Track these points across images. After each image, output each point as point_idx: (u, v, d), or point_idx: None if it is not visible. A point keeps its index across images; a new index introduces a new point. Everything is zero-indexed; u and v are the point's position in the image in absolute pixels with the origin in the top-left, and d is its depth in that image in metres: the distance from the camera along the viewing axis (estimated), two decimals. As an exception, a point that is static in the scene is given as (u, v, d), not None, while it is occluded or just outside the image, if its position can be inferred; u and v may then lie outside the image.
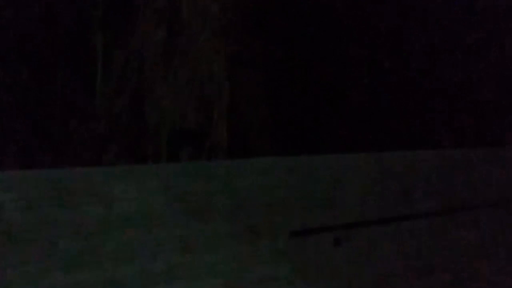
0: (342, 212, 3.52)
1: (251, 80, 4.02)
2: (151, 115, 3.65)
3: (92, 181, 2.62)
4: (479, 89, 5.01)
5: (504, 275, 4.12)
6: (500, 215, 4.52)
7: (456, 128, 4.92)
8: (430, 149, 4.34)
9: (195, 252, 2.87)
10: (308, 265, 3.33)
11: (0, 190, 2.35)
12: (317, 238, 3.40)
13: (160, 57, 3.71)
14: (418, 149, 4.24)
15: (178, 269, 2.81)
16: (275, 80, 4.10)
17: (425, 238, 3.99)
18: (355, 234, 3.57)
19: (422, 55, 4.78)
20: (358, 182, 3.63)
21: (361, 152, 3.80)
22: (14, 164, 3.25)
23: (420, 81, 4.73)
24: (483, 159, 4.46)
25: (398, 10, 4.71)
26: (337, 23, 4.46)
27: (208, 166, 3.27)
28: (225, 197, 3.06)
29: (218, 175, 3.05)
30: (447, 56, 4.88)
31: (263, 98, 4.03)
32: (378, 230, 3.69)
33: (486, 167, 4.47)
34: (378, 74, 4.59)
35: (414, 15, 4.80)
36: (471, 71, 4.97)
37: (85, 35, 3.58)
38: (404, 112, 4.62)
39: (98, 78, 3.60)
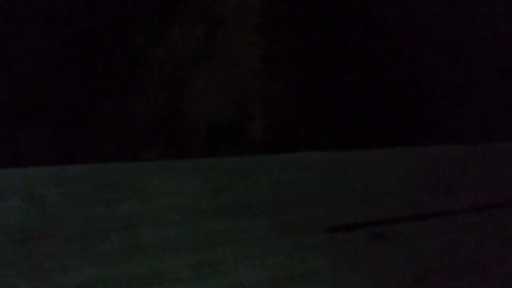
0: (381, 207, 3.50)
1: (289, 74, 4.02)
2: (189, 111, 3.68)
3: (133, 175, 2.66)
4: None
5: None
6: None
7: (496, 122, 4.86)
8: (472, 143, 4.29)
9: (234, 247, 2.89)
10: (345, 261, 3.32)
11: (43, 185, 2.39)
12: (355, 234, 3.39)
13: (198, 53, 3.74)
14: (460, 143, 4.20)
15: (218, 263, 2.83)
16: (314, 74, 4.10)
17: (465, 234, 3.95)
18: (394, 230, 3.55)
19: (457, 50, 4.74)
20: (398, 177, 3.61)
21: (400, 146, 3.78)
22: (56, 159, 3.30)
23: (460, 73, 4.68)
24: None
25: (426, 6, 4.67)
26: (374, 16, 4.43)
27: (246, 161, 3.28)
28: (263, 192, 3.07)
29: (257, 170, 3.07)
30: (483, 48, 4.82)
31: (302, 92, 4.03)
32: (418, 226, 3.67)
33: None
34: (418, 67, 4.55)
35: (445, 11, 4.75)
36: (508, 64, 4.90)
37: (124, 30, 3.62)
38: (446, 106, 4.58)
39: (138, 74, 3.63)
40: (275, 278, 3.05)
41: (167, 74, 3.68)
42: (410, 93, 4.55)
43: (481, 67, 4.68)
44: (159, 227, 2.66)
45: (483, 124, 4.62)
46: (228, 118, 3.82)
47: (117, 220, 2.56)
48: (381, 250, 3.49)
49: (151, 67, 3.65)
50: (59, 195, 2.50)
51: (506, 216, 4.19)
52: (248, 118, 3.87)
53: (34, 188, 2.41)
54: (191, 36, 3.73)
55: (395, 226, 3.56)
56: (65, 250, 2.46)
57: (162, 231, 2.66)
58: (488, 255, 4.01)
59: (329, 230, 3.28)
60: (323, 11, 4.17)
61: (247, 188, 3.07)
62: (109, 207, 2.58)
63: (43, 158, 3.26)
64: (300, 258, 3.16)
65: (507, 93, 4.81)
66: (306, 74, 4.06)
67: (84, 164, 2.69)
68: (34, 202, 2.40)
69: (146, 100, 3.58)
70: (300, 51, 4.05)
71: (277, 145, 3.85)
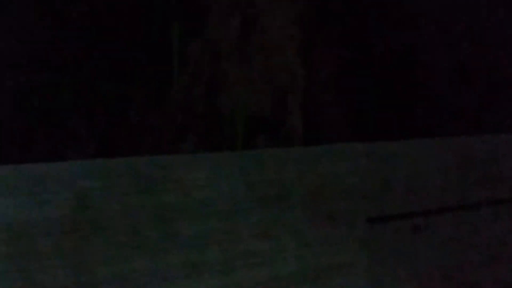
0: (421, 198, 3.45)
1: (325, 66, 4.00)
2: (226, 104, 3.70)
3: (171, 169, 2.67)
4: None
5: None
6: None
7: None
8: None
9: (273, 239, 2.88)
10: (386, 252, 3.29)
11: (85, 178, 2.42)
12: (395, 225, 3.35)
13: (234, 46, 3.74)
14: (500, 133, 4.11)
15: (257, 254, 2.83)
16: (350, 66, 4.07)
17: (507, 225, 3.87)
18: (435, 221, 3.50)
19: (497, 47, 4.64)
20: (438, 168, 3.55)
21: (440, 137, 3.72)
22: (95, 154, 3.35)
23: (501, 68, 4.59)
24: None
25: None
26: (410, 8, 4.37)
27: (284, 153, 3.27)
28: (302, 184, 3.05)
29: (294, 162, 3.05)
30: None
31: (338, 84, 4.01)
32: (458, 217, 3.61)
33: None
34: (454, 60, 4.48)
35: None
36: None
37: (160, 25, 3.64)
38: (484, 97, 4.49)
39: (174, 68, 3.66)
40: (313, 269, 3.04)
41: (204, 66, 3.70)
42: (451, 83, 4.48)
43: None
44: (196, 220, 2.68)
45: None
46: (266, 110, 3.82)
47: (155, 213, 2.59)
48: (422, 241, 3.45)
49: (188, 60, 3.67)
50: (101, 188, 2.53)
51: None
52: (285, 110, 3.86)
53: (77, 182, 2.45)
54: (227, 28, 3.74)
55: (435, 218, 3.51)
56: (107, 242, 2.50)
57: (199, 224, 2.68)
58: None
59: (368, 222, 3.26)
60: (357, 2, 4.13)
61: (284, 180, 3.06)
62: (148, 200, 2.60)
63: (83, 152, 3.32)
64: (338, 250, 3.15)
65: None
66: (344, 65, 4.03)
67: (121, 158, 2.72)
68: (77, 195, 2.44)
69: (183, 93, 3.61)
70: (337, 42, 4.02)
71: (315, 137, 3.83)
